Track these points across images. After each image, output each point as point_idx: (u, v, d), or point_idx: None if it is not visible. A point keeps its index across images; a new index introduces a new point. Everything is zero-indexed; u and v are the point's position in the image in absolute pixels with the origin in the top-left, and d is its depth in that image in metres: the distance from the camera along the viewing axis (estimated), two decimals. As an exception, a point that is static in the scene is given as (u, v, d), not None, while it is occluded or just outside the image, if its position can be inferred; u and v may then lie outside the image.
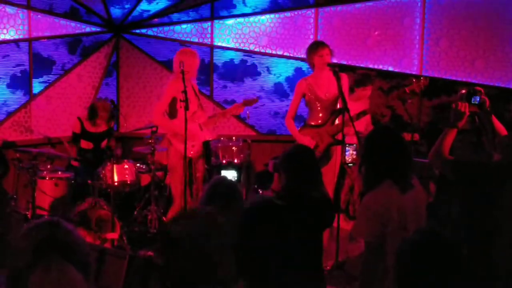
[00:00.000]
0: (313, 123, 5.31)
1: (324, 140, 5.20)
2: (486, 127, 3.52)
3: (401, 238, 2.83)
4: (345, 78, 5.20)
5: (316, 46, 5.23)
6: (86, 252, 1.74)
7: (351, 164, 3.42)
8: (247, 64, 7.87)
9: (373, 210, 2.90)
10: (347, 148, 3.22)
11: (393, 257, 2.83)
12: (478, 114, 3.47)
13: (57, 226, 1.73)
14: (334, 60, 5.42)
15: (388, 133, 3.03)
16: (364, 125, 6.03)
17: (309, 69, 5.49)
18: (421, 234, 1.94)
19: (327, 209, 3.18)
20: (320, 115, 5.29)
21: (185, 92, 4.65)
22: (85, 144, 6.14)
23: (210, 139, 5.44)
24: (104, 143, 6.17)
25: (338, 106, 5.26)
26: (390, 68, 7.59)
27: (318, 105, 5.28)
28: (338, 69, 5.08)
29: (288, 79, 7.78)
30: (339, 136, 5.28)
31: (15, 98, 6.86)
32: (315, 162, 3.19)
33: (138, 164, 6.22)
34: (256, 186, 6.32)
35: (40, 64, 7.08)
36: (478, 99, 3.36)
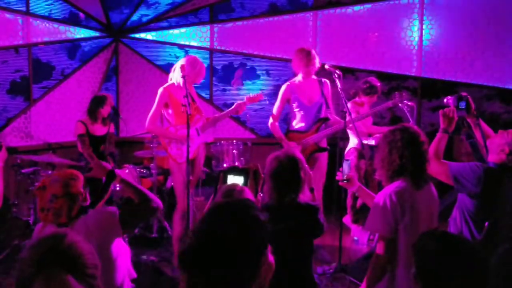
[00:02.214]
0: (296, 129, 5.35)
1: (308, 147, 5.24)
2: (474, 130, 3.60)
3: (413, 237, 2.87)
4: (327, 85, 5.27)
5: (307, 54, 5.22)
6: (91, 264, 1.77)
7: (346, 181, 3.42)
8: (247, 67, 7.89)
9: (388, 204, 2.96)
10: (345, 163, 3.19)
11: (404, 252, 2.90)
12: (465, 119, 3.57)
13: (63, 238, 1.77)
14: (333, 63, 5.43)
15: (405, 131, 3.08)
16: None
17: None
18: (440, 240, 1.94)
19: (313, 216, 3.18)
20: (303, 121, 5.31)
21: (186, 97, 4.64)
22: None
23: (209, 141, 5.38)
24: (101, 147, 6.12)
25: (323, 114, 5.31)
26: (389, 70, 7.60)
27: (302, 111, 5.29)
28: (340, 73, 5.07)
29: (287, 81, 7.77)
30: (323, 143, 5.33)
31: (15, 104, 6.86)
32: (299, 171, 3.18)
33: (139, 169, 6.23)
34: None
35: (39, 69, 7.08)
36: (464, 104, 3.47)
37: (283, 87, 5.42)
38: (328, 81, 5.26)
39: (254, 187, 3.24)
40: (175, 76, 4.98)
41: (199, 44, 7.88)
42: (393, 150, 3.04)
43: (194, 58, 5.07)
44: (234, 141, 6.44)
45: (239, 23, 7.82)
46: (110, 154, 5.83)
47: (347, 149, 6.03)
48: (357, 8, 7.62)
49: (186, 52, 7.91)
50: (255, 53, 7.82)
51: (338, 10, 7.66)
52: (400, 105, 5.36)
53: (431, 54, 7.56)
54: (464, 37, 7.45)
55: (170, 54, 7.99)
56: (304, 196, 3.19)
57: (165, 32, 7.92)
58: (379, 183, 6.21)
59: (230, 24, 7.83)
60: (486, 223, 3.29)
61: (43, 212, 2.85)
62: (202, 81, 5.16)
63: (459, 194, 3.46)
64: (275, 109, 5.45)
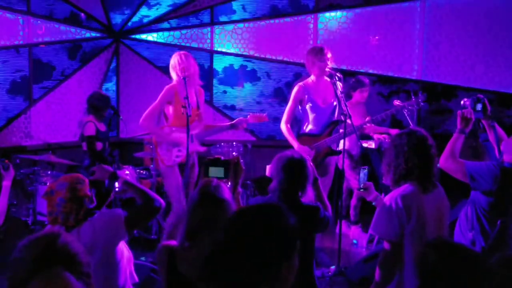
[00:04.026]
0: (308, 132, 5.23)
1: (322, 150, 5.17)
2: (488, 132, 3.64)
3: (419, 241, 2.83)
4: (341, 87, 5.20)
5: (320, 51, 5.17)
6: (85, 262, 1.78)
7: (363, 189, 3.48)
8: (247, 69, 7.88)
9: (393, 209, 2.93)
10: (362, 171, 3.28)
11: (411, 257, 2.86)
12: (481, 120, 3.62)
13: (57, 237, 1.77)
14: (334, 66, 5.39)
15: (411, 135, 3.06)
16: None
17: (308, 74, 5.44)
18: (440, 250, 1.93)
19: (314, 215, 3.24)
20: (316, 124, 5.19)
21: (187, 98, 4.62)
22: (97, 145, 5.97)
23: (200, 151, 5.23)
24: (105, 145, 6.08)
25: (336, 116, 5.24)
26: (390, 73, 7.60)
27: (315, 113, 5.21)
28: (341, 75, 5.05)
29: (287, 84, 7.78)
30: (334, 147, 5.28)
31: (15, 104, 6.86)
32: (306, 172, 3.25)
33: (138, 170, 6.22)
34: (256, 191, 6.32)
35: (40, 69, 7.08)
36: (481, 106, 3.54)
37: (295, 88, 5.25)
38: (341, 84, 5.16)
39: (234, 180, 3.30)
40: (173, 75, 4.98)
41: (200, 46, 7.88)
42: (399, 154, 3.02)
43: (185, 54, 5.07)
44: (234, 143, 6.44)
45: (240, 25, 7.82)
46: (110, 154, 5.80)
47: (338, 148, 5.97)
48: (358, 11, 7.61)
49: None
50: (256, 55, 7.82)
51: (339, 13, 7.66)
52: (416, 107, 5.37)
53: (432, 57, 7.55)
54: (465, 40, 7.44)
55: (171, 56, 7.95)
56: (308, 195, 3.25)
57: (166, 33, 7.92)
58: (375, 186, 6.20)
59: (231, 26, 7.83)
60: (499, 221, 3.30)
61: (52, 216, 2.92)
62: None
63: (473, 191, 3.48)
64: (287, 111, 5.24)
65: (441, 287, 1.85)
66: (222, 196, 2.70)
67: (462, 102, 3.64)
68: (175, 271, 2.61)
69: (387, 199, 3.03)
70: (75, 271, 1.70)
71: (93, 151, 5.70)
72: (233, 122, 5.27)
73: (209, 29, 7.86)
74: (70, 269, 1.68)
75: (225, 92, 7.96)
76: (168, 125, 5.07)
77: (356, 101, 6.14)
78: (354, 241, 5.99)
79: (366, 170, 3.47)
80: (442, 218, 3.07)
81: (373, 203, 3.41)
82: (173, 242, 2.71)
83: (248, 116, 5.27)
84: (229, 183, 3.35)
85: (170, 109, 5.04)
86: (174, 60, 5.06)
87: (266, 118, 5.37)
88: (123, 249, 3.07)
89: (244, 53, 7.83)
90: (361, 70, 7.60)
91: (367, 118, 5.59)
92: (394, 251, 2.94)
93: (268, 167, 5.82)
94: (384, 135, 6.04)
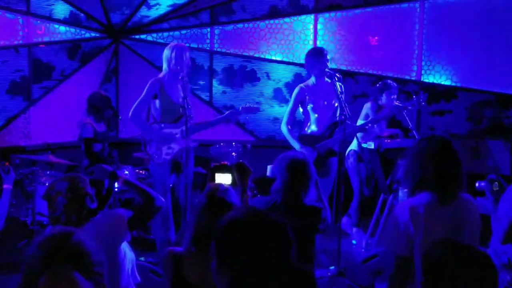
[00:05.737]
0: (310, 133, 5.23)
1: (323, 151, 5.16)
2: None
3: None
4: (341, 88, 5.18)
5: (319, 53, 5.16)
6: (98, 261, 1.79)
7: None
8: (247, 69, 7.88)
9: (400, 220, 2.71)
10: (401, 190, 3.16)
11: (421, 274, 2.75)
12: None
13: (70, 235, 1.79)
14: (333, 66, 5.38)
15: (430, 141, 2.83)
16: None
17: (308, 75, 5.44)
18: (445, 247, 1.91)
19: (317, 215, 3.25)
20: (318, 124, 5.20)
21: (185, 98, 4.60)
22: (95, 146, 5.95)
23: (191, 146, 5.10)
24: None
25: (338, 117, 5.22)
26: (389, 74, 7.59)
27: (317, 113, 5.21)
28: (340, 76, 5.04)
29: (287, 84, 7.78)
30: (335, 147, 5.27)
31: (15, 104, 6.85)
32: (309, 172, 3.26)
33: (137, 170, 6.21)
34: (255, 191, 6.32)
35: (39, 69, 7.08)
36: (497, 184, 3.53)
37: (296, 89, 5.24)
38: (342, 85, 5.08)
39: (242, 183, 3.29)
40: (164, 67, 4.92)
41: (200, 46, 7.88)
42: (415, 162, 2.79)
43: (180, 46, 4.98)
44: (234, 143, 6.44)
45: (239, 25, 7.81)
46: (109, 154, 5.79)
47: (347, 150, 5.97)
48: (357, 11, 7.61)
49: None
50: (256, 55, 7.81)
51: (338, 14, 7.66)
52: (417, 107, 5.35)
53: (431, 58, 7.55)
54: (465, 41, 7.43)
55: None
56: (310, 195, 3.26)
57: (166, 33, 7.92)
58: (375, 187, 6.20)
59: (230, 26, 7.83)
60: None
61: (53, 217, 2.90)
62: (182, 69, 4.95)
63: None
64: (287, 112, 5.25)
65: (442, 286, 1.85)
66: (230, 200, 2.68)
67: (477, 184, 3.45)
68: (180, 276, 2.60)
69: (397, 208, 2.83)
70: (85, 270, 1.71)
71: (90, 153, 5.68)
72: (224, 115, 5.22)
73: (208, 29, 7.86)
74: (79, 267, 1.70)
75: (224, 92, 7.96)
76: (157, 122, 5.03)
77: (382, 104, 6.12)
78: (354, 242, 5.99)
79: (406, 190, 3.32)
80: (461, 233, 2.71)
81: None
82: (180, 248, 2.69)
83: (240, 108, 5.17)
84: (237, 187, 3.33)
85: (156, 104, 4.99)
86: (168, 52, 4.98)
87: (257, 109, 5.29)
88: (126, 249, 3.07)
89: (244, 53, 7.83)
90: (361, 71, 7.60)
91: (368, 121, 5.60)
92: (402, 265, 2.70)
93: (269, 167, 5.79)
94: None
